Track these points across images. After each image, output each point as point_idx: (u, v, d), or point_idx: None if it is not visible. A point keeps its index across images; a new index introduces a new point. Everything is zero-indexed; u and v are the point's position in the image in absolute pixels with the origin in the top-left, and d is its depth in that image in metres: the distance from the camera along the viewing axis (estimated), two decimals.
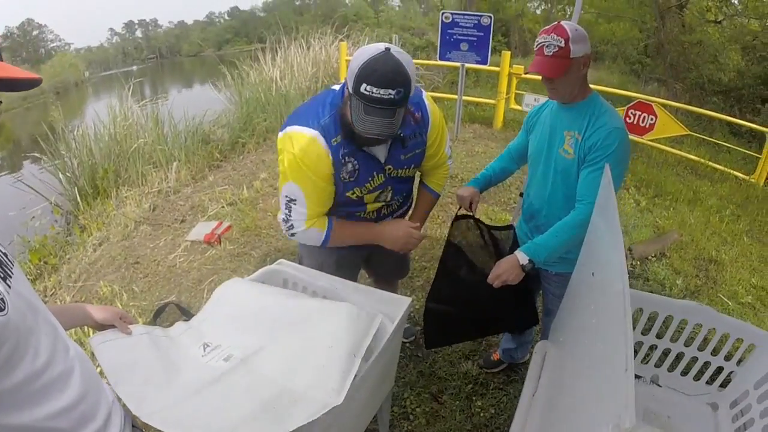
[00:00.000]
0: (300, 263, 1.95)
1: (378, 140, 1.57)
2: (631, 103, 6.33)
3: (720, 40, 12.38)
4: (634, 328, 1.58)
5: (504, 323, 2.20)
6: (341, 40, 9.55)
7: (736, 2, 12.31)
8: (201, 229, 4.18)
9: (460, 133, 6.90)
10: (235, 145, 6.96)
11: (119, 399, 1.07)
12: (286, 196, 1.65)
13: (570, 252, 1.71)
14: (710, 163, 6.16)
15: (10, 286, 0.79)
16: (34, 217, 5.15)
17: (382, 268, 2.25)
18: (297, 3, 79.80)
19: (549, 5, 22.06)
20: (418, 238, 1.85)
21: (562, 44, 1.61)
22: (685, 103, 9.06)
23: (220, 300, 1.63)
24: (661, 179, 5.48)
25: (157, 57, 74.58)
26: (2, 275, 0.79)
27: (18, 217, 5.21)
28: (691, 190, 5.35)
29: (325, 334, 1.39)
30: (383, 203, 1.82)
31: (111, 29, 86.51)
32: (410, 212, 2.06)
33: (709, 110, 7.97)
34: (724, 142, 7.07)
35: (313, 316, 1.49)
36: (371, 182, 1.70)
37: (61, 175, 6.05)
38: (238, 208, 4.60)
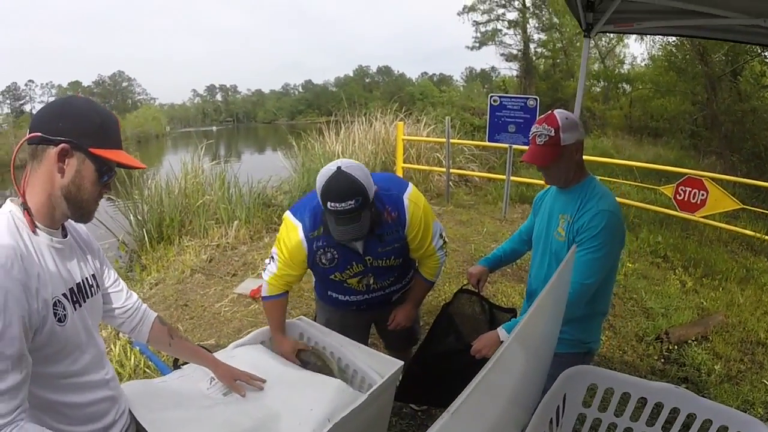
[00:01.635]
0: (315, 318, 2.25)
1: (356, 240, 1.84)
2: (680, 180, 6.22)
3: None
4: (605, 409, 1.59)
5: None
6: (401, 120, 10.03)
7: None
8: (249, 285, 4.49)
9: (507, 214, 7.03)
10: None
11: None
12: (271, 254, 2.01)
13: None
14: (767, 238, 5.84)
15: (75, 310, 1.15)
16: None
17: (390, 335, 2.40)
18: (367, 80, 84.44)
19: (607, 83, 22.21)
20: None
21: (553, 133, 1.74)
22: (742, 175, 8.72)
23: (237, 350, 1.92)
24: (712, 257, 5.30)
25: (233, 121, 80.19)
26: (74, 300, 1.15)
27: None
28: (744, 267, 5.12)
29: (311, 400, 1.61)
30: (368, 284, 2.05)
31: (194, 90, 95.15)
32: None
33: None
34: None
35: (308, 384, 1.72)
36: (350, 270, 1.96)
37: (131, 217, 6.62)
38: None
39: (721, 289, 4.59)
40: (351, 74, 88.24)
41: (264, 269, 2.05)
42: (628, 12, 2.81)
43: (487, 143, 7.31)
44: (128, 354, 3.26)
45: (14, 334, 0.97)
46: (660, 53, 17.44)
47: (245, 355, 1.83)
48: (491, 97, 6.63)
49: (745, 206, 6.06)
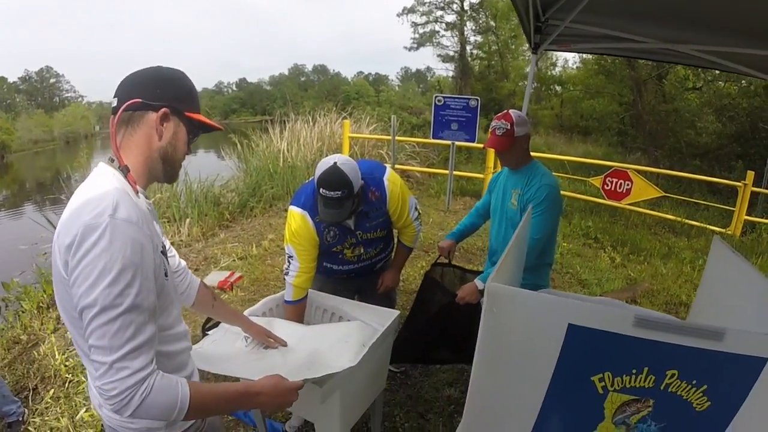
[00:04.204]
0: None
1: (335, 222, 2.20)
2: (607, 172, 6.92)
3: (698, 105, 13.23)
4: None
5: (462, 349, 2.55)
6: (344, 118, 10.33)
7: None
8: (215, 276, 4.61)
9: (451, 205, 7.47)
10: (244, 209, 7.48)
11: None
12: (287, 254, 2.31)
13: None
14: (687, 221, 6.69)
15: (169, 264, 1.24)
16: (46, 253, 5.32)
17: (372, 302, 2.74)
18: (302, 79, 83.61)
19: (539, 84, 23.44)
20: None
21: (509, 127, 2.24)
22: (665, 168, 9.66)
23: (253, 318, 2.09)
24: (638, 238, 5.97)
25: None
26: (164, 254, 1.22)
27: (30, 250, 5.58)
28: (666, 246, 5.82)
29: (341, 335, 1.90)
30: (359, 254, 2.42)
31: None
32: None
33: (690, 173, 8.63)
34: (703, 200, 7.66)
35: (334, 328, 2.02)
36: (347, 242, 2.35)
37: None
38: (248, 262, 5.04)
39: (646, 264, 5.24)
40: (286, 73, 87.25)
41: (286, 274, 2.29)
42: (568, 35, 3.40)
43: (427, 140, 7.71)
44: None
45: (150, 287, 1.05)
46: (590, 57, 18.69)
47: (262, 322, 2.01)
48: (436, 97, 7.05)
49: (667, 194, 6.87)
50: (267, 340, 1.81)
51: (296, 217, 2.24)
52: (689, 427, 1.05)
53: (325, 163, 2.08)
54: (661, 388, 1.01)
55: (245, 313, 2.13)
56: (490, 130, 2.32)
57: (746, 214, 6.53)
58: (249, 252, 5.33)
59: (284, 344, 1.83)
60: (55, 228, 4.16)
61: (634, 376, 1.00)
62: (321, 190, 2.05)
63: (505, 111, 2.32)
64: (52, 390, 2.94)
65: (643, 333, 0.94)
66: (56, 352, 3.27)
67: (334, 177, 2.03)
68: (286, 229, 2.29)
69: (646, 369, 0.99)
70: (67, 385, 3.00)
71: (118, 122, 1.14)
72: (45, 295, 4.41)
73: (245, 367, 1.67)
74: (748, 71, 3.29)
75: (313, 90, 69.28)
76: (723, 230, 6.42)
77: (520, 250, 1.81)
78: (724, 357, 0.95)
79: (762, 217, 7.15)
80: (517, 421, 1.14)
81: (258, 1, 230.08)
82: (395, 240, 2.65)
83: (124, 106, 1.11)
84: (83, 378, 3.00)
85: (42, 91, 66.51)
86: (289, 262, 2.29)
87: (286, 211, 7.04)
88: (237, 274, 4.68)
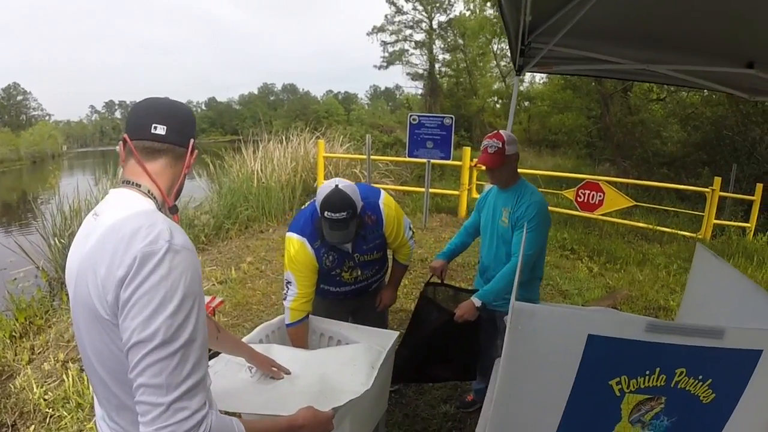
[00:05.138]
0: None
1: (342, 244, 2.23)
2: (580, 184, 7.13)
3: (663, 115, 13.80)
4: None
5: (459, 366, 2.64)
6: (318, 138, 10.37)
7: None
8: None
9: (428, 222, 7.52)
10: (219, 231, 7.36)
11: None
12: (286, 279, 2.31)
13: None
14: (658, 228, 6.95)
15: None
16: (16, 278, 5.20)
17: (366, 322, 2.70)
18: (271, 98, 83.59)
19: (508, 100, 24.00)
20: None
21: (500, 146, 2.33)
22: (634, 178, 10.00)
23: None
24: (613, 247, 6.15)
25: None
26: None
27: None
28: (640, 253, 6.01)
29: (348, 358, 1.90)
30: (356, 276, 2.47)
31: (92, 106, 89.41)
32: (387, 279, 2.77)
33: (657, 181, 8.99)
34: (672, 207, 7.96)
35: (338, 352, 2.03)
36: (345, 265, 2.39)
37: (51, 241, 6.11)
38: (229, 286, 4.97)
39: (623, 271, 5.40)
40: (255, 92, 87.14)
41: (284, 298, 2.30)
42: (550, 58, 3.55)
43: (401, 158, 7.75)
44: (85, 382, 3.12)
45: (204, 319, 0.99)
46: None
47: (260, 348, 1.96)
48: (410, 116, 7.13)
49: (637, 203, 7.15)
50: (271, 370, 1.77)
51: (295, 243, 2.25)
52: (697, 418, 1.13)
53: (326, 187, 2.11)
54: (672, 385, 1.08)
55: (244, 340, 2.10)
56: (482, 148, 2.40)
57: (715, 218, 6.85)
58: (228, 275, 5.27)
59: (288, 372, 1.80)
60: (26, 254, 3.89)
61: (647, 377, 1.08)
62: (326, 213, 2.06)
63: (496, 131, 2.42)
64: (33, 426, 2.82)
65: (654, 337, 1.02)
66: (34, 386, 3.12)
67: (338, 199, 2.05)
68: (285, 255, 2.29)
69: (657, 369, 1.07)
70: (48, 420, 2.87)
71: (167, 153, 1.13)
72: (17, 324, 4.22)
73: (257, 399, 1.63)
74: (720, 87, 3.49)
75: (282, 109, 69.25)
76: (693, 235, 6.69)
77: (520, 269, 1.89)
78: (725, 352, 1.04)
79: (730, 220, 7.54)
80: (541, 427, 1.20)
81: (228, 17, 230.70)
82: (390, 261, 2.70)
83: (192, 147, 1.17)
84: (65, 413, 2.88)
85: (9, 108, 65.13)
86: (287, 287, 2.29)
87: (262, 232, 7.00)
88: (218, 299, 4.55)
